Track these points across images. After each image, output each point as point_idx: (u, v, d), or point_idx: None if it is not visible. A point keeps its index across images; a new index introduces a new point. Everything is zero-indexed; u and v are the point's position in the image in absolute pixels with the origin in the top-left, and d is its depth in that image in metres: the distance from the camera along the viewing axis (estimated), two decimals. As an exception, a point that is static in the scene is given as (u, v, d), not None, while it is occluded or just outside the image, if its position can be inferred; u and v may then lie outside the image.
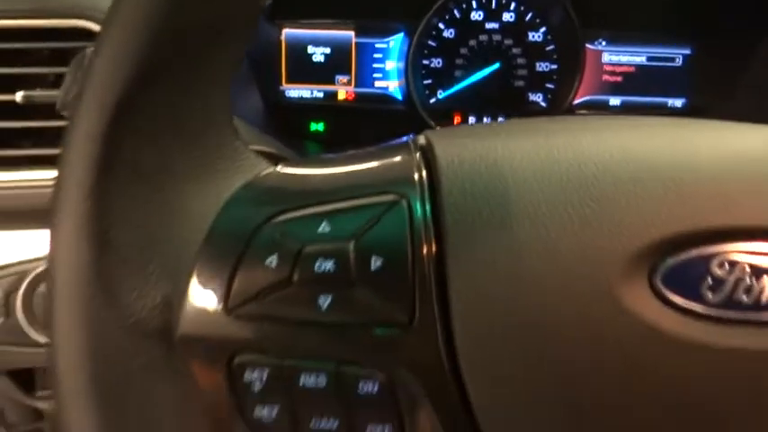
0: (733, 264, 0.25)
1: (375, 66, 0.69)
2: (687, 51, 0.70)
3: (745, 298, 0.24)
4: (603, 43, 0.69)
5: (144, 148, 0.24)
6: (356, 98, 0.69)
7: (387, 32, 0.68)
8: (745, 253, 0.25)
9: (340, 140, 0.68)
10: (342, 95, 0.69)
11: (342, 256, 0.25)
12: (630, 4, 0.69)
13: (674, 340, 0.24)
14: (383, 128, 0.65)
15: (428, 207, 0.26)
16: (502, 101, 0.69)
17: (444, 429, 0.25)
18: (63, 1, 0.53)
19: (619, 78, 0.70)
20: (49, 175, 0.53)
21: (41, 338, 0.52)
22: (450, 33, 0.68)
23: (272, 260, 0.25)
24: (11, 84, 0.53)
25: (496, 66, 0.69)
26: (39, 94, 0.52)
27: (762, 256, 0.25)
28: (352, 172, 0.28)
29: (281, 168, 0.28)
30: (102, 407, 0.24)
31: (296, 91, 0.68)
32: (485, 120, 0.70)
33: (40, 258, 0.52)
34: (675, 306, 0.24)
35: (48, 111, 0.53)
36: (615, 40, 0.69)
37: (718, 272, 0.25)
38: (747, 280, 0.24)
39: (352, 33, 0.68)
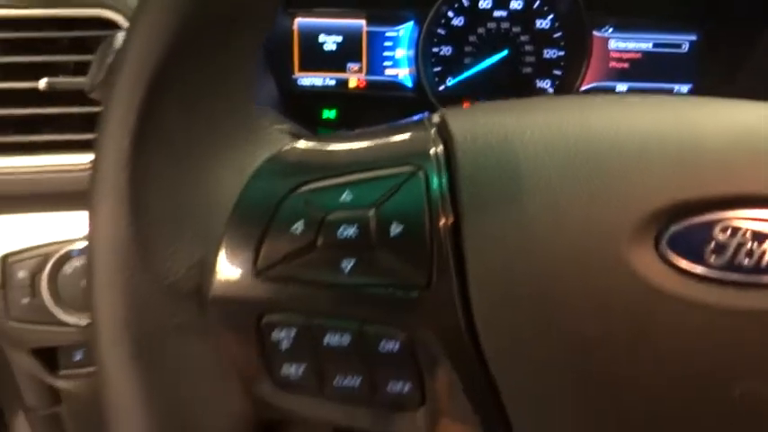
0: (735, 229, 0.26)
1: (386, 54, 0.70)
2: (693, 38, 0.70)
3: (746, 261, 0.26)
4: (610, 30, 0.70)
5: (176, 122, 0.26)
6: (367, 86, 0.70)
7: (397, 21, 0.70)
8: (746, 219, 0.26)
9: (352, 127, 0.69)
10: (353, 83, 0.70)
11: (363, 223, 0.26)
12: (637, -8, 0.70)
13: (679, 301, 0.25)
14: (394, 115, 0.66)
15: (444, 180, 0.27)
16: (510, 87, 0.70)
17: (462, 388, 0.27)
18: (84, -9, 0.55)
19: (625, 65, 0.71)
20: (70, 159, 0.55)
21: (66, 318, 0.54)
22: (460, 21, 0.70)
23: (298, 227, 0.26)
24: (33, 71, 0.54)
25: (505, 53, 0.70)
26: (61, 81, 0.53)
27: (763, 222, 0.26)
28: (371, 146, 0.29)
29: (302, 143, 0.30)
30: (139, 366, 0.26)
31: (308, 79, 0.70)
32: (494, 106, 0.71)
33: (63, 241, 0.54)
34: (680, 269, 0.26)
35: (69, 97, 0.55)
36: (622, 26, 0.70)
37: (720, 237, 0.26)
38: (749, 245, 0.26)
39: (363, 22, 0.69)
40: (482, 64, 0.70)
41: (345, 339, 0.26)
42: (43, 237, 0.55)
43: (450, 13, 0.69)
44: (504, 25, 0.70)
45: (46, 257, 0.54)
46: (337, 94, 0.70)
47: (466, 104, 0.31)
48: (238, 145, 0.28)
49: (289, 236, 0.26)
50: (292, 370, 0.27)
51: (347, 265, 0.26)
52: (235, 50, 0.27)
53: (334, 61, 0.70)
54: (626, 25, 0.70)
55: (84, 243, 0.51)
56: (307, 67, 0.69)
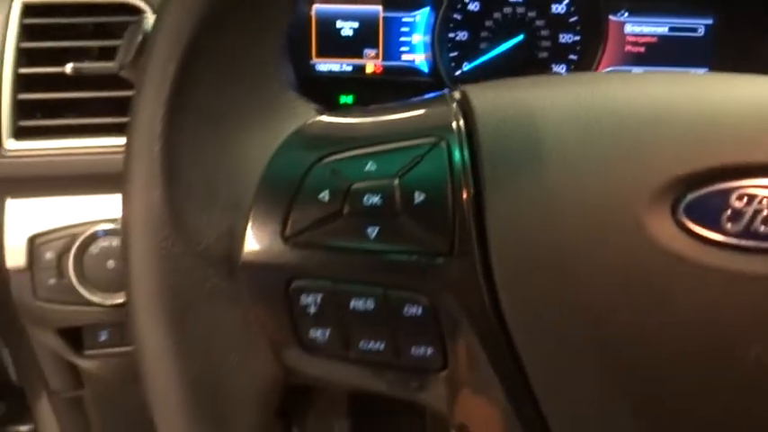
0: (751, 197, 0.26)
1: (402, 39, 0.71)
2: (709, 21, 0.70)
3: (762, 228, 0.26)
4: (626, 14, 0.70)
5: (208, 94, 0.27)
6: (384, 71, 0.71)
7: (413, 6, 0.70)
8: (762, 187, 0.27)
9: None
10: (370, 69, 0.71)
11: (388, 192, 0.27)
12: (653, -24, 0.70)
13: (696, 266, 0.26)
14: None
15: (466, 152, 0.28)
16: (526, 72, 0.70)
17: (483, 353, 0.28)
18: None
19: (641, 49, 0.71)
20: (95, 142, 0.56)
21: (91, 297, 0.55)
22: (475, 6, 0.70)
23: (324, 195, 0.27)
24: (59, 57, 0.56)
25: (520, 38, 0.70)
26: (86, 66, 0.54)
27: (779, 190, 0.26)
28: (394, 119, 0.30)
29: (327, 117, 0.30)
30: (172, 329, 0.27)
31: (325, 65, 0.70)
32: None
33: (88, 222, 0.55)
34: (697, 236, 0.26)
35: (93, 82, 0.56)
36: (637, 10, 0.70)
37: (737, 204, 0.26)
38: (765, 212, 0.26)
39: (379, 8, 0.70)
40: (498, 49, 0.71)
41: (370, 304, 0.27)
42: (69, 219, 0.56)
43: (466, -1, 0.70)
44: (520, 10, 0.70)
45: (72, 238, 0.55)
46: (354, 80, 0.71)
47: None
48: (267, 117, 0.29)
49: (316, 204, 0.27)
50: (319, 334, 0.28)
51: (372, 231, 0.27)
52: (264, 25, 0.28)
53: (351, 47, 0.70)
54: (641, 9, 0.70)
55: (110, 225, 0.53)
56: (324, 52, 0.70)
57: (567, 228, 0.27)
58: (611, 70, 0.72)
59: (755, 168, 0.27)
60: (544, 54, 0.71)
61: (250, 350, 0.28)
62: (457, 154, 0.28)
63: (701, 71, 0.72)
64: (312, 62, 0.70)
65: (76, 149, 0.56)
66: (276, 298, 0.27)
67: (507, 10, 0.70)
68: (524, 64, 0.71)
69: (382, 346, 0.28)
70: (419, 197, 0.27)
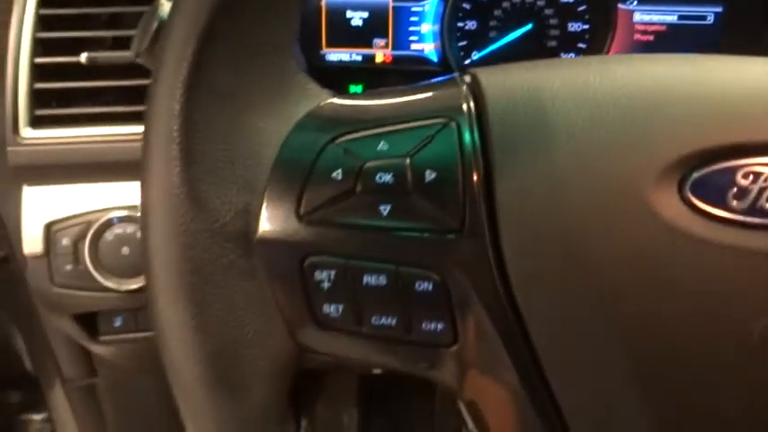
0: (757, 175, 0.27)
1: (411, 29, 0.71)
2: (718, 9, 0.70)
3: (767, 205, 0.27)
4: (635, 2, 0.70)
5: (224, 75, 0.27)
6: (393, 60, 0.72)
7: (422, -4, 0.71)
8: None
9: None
10: (379, 58, 0.72)
11: (399, 170, 0.28)
12: (662, -36, 0.70)
13: (701, 242, 0.26)
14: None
15: (476, 132, 0.28)
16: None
17: (493, 328, 0.28)
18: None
19: (650, 37, 0.71)
20: (109, 131, 0.57)
21: (107, 283, 0.56)
22: (484, -4, 0.70)
23: (338, 174, 0.28)
24: (72, 46, 0.56)
25: (529, 27, 0.70)
26: (101, 55, 0.55)
27: (784, 169, 0.27)
28: (405, 101, 0.31)
29: (338, 99, 0.31)
30: (190, 304, 0.27)
31: (335, 54, 0.71)
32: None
33: (104, 209, 0.56)
34: (703, 213, 0.27)
35: (107, 71, 0.57)
36: (646, -1, 0.70)
37: (743, 182, 0.27)
38: (771, 189, 0.27)
39: (389, -2, 0.70)
40: (507, 38, 0.71)
41: (382, 280, 0.28)
42: (84, 206, 0.57)
43: (475, -12, 0.70)
44: (529, -1, 0.70)
45: (88, 225, 0.56)
46: (364, 69, 0.72)
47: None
48: (281, 99, 0.29)
49: (329, 182, 0.28)
50: (332, 309, 0.28)
51: (384, 209, 0.28)
52: (279, 10, 0.29)
53: (361, 37, 0.71)
54: (651, -2, 0.70)
55: (124, 212, 0.54)
56: (334, 42, 0.71)
57: (575, 206, 0.27)
58: (619, 58, 0.72)
59: (761, 147, 0.27)
60: (553, 43, 0.71)
61: (265, 325, 0.29)
62: (467, 135, 0.28)
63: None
64: (322, 52, 0.71)
65: (91, 138, 0.57)
66: (291, 274, 0.28)
67: (516, -1, 0.70)
68: (533, 53, 0.71)
69: (394, 322, 0.28)
70: (430, 176, 0.28)
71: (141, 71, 0.54)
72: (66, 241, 0.56)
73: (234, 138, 0.28)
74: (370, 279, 0.28)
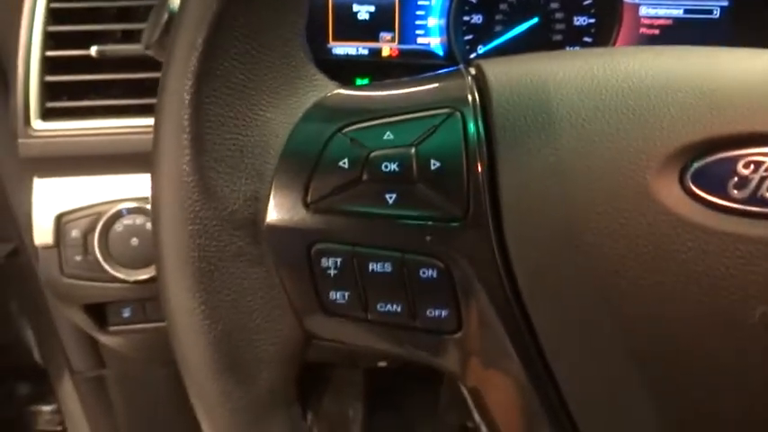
0: (758, 164, 0.27)
1: (417, 23, 0.71)
2: (724, 3, 0.70)
3: (768, 194, 0.27)
4: (641, -4, 0.71)
5: (234, 65, 0.28)
6: (399, 54, 0.72)
7: (429, -10, 0.71)
8: (768, 155, 0.27)
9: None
10: (386, 52, 0.72)
11: (405, 159, 0.28)
12: (668, -43, 0.70)
13: (703, 230, 0.27)
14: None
15: (480, 122, 0.29)
16: (540, 55, 0.71)
17: (496, 315, 0.29)
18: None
19: (656, 31, 0.71)
20: (119, 123, 0.58)
21: (116, 273, 0.57)
22: (490, -10, 0.71)
23: (344, 163, 0.28)
24: (82, 40, 0.57)
25: (535, 20, 0.71)
26: (110, 48, 0.56)
27: (785, 158, 0.27)
28: (410, 91, 0.31)
29: (345, 90, 0.32)
30: (200, 289, 0.28)
31: (342, 48, 0.71)
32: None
33: (113, 201, 0.57)
34: (704, 201, 0.27)
35: (117, 64, 0.58)
36: (653, -7, 0.70)
37: (743, 171, 0.27)
38: (771, 179, 0.27)
39: (395, -8, 0.71)
40: (512, 32, 0.71)
41: (388, 267, 0.28)
42: (94, 197, 0.58)
43: (481, -18, 0.70)
44: (535, -7, 0.71)
45: (97, 217, 0.56)
46: (370, 63, 0.72)
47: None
48: (289, 90, 0.30)
49: (336, 171, 0.28)
50: (339, 296, 0.29)
51: (390, 197, 0.28)
52: (287, 2, 0.29)
53: (367, 31, 0.71)
54: (657, -9, 0.70)
55: (133, 204, 0.54)
56: (340, 36, 0.71)
57: (578, 195, 0.28)
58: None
59: (762, 137, 0.27)
60: (558, 37, 0.71)
61: (273, 312, 0.29)
62: (471, 125, 0.29)
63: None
64: (329, 46, 0.71)
65: (101, 130, 0.57)
66: (298, 261, 0.29)
67: (522, -7, 0.70)
68: (539, 47, 0.71)
69: (399, 308, 0.29)
70: (434, 165, 0.28)
71: (151, 64, 0.55)
72: (76, 232, 0.57)
73: (243, 127, 0.28)
74: (375, 266, 0.28)
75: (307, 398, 1.00)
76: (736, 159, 0.27)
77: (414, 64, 0.72)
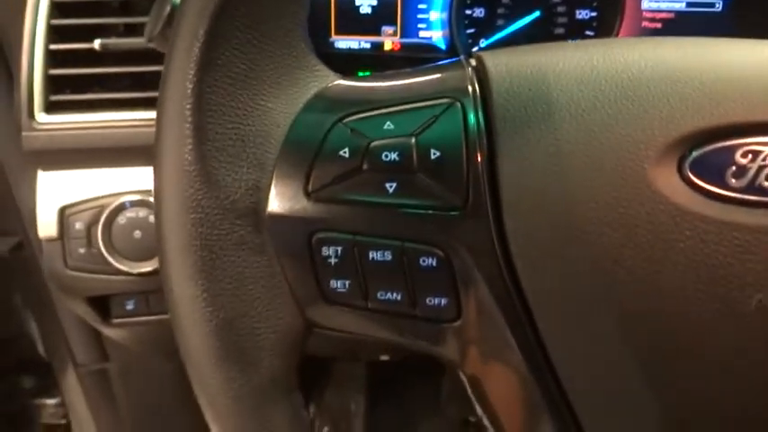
0: (756, 153, 0.27)
1: (420, 17, 0.71)
2: (727, -3, 0.70)
3: (766, 183, 0.27)
4: (643, -10, 0.71)
5: (236, 56, 0.28)
6: (402, 48, 0.72)
7: (431, -17, 0.71)
8: (767, 144, 0.27)
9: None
10: (388, 46, 0.72)
11: (405, 149, 0.28)
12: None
13: (700, 219, 0.27)
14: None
15: (480, 112, 0.29)
16: (542, 49, 0.71)
17: (495, 303, 0.29)
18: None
19: (658, 25, 0.71)
20: (122, 116, 0.58)
21: (119, 266, 0.57)
22: (492, -17, 0.71)
23: (345, 152, 0.29)
24: (85, 33, 0.57)
25: (537, 14, 0.71)
26: (113, 41, 0.56)
27: (782, 148, 0.27)
28: (411, 82, 0.31)
29: (346, 81, 0.32)
30: (202, 278, 0.28)
31: (344, 42, 0.72)
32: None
33: (116, 193, 0.57)
34: (702, 190, 0.27)
35: (120, 57, 0.58)
36: (655, -14, 0.70)
37: (741, 160, 0.27)
38: (769, 168, 0.27)
39: (397, -15, 0.71)
40: (514, 25, 0.71)
41: (388, 255, 0.28)
42: (97, 190, 0.58)
43: (483, -24, 0.70)
44: (536, -14, 0.71)
45: (101, 209, 0.57)
46: (372, 57, 0.72)
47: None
48: (291, 80, 0.30)
49: (337, 161, 0.29)
50: (339, 284, 0.29)
51: (390, 186, 0.28)
52: None
53: (370, 24, 0.71)
54: (659, -15, 0.70)
55: (136, 196, 0.55)
56: (343, 30, 0.71)
57: (577, 184, 0.28)
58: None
59: (760, 126, 0.28)
60: (561, 30, 0.71)
61: (275, 300, 0.29)
62: (471, 115, 0.29)
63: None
64: (331, 39, 0.71)
65: (105, 123, 0.58)
66: (299, 250, 0.29)
67: (524, -14, 0.70)
68: (541, 40, 0.71)
69: (399, 297, 0.29)
70: (435, 154, 0.28)
71: (154, 57, 0.55)
72: (79, 225, 0.57)
73: (244, 117, 0.28)
74: (375, 255, 0.29)
75: (309, 391, 1.00)
76: (734, 149, 0.27)
77: (416, 58, 0.72)
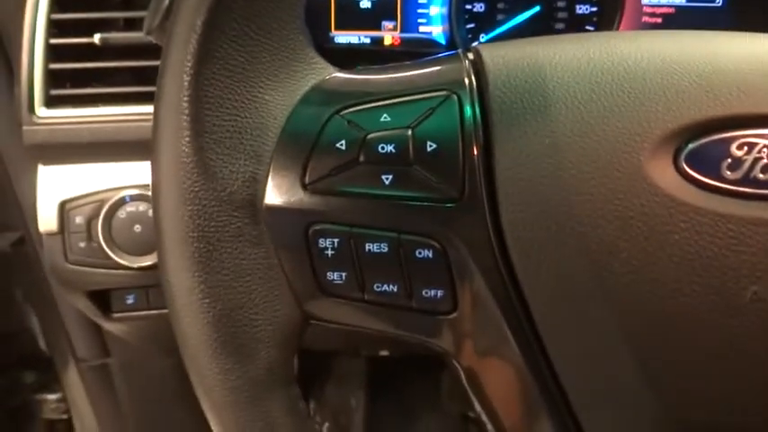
0: (751, 146, 0.28)
1: (420, 11, 0.71)
2: (728, -9, 0.70)
3: (761, 176, 0.27)
4: (643, -15, 0.71)
5: (233, 48, 0.28)
6: (402, 43, 0.72)
7: (431, -22, 0.71)
8: (762, 137, 0.28)
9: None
10: (388, 41, 0.72)
11: (401, 141, 0.29)
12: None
13: (696, 211, 0.27)
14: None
15: (477, 105, 0.29)
16: (542, 44, 0.71)
17: (491, 295, 0.29)
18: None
19: (659, 20, 0.71)
20: (122, 111, 0.58)
21: (119, 260, 0.57)
22: (492, -22, 0.71)
23: (342, 144, 0.29)
24: (85, 27, 0.58)
25: (537, 9, 0.71)
26: (113, 36, 0.56)
27: (778, 140, 0.27)
28: (408, 74, 0.31)
29: (343, 74, 0.32)
30: (199, 269, 0.28)
31: (344, 37, 0.72)
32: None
33: (116, 188, 0.58)
34: (698, 182, 0.27)
35: (120, 52, 0.58)
36: (655, -19, 0.70)
37: (737, 153, 0.28)
38: (764, 160, 0.27)
39: (397, -20, 0.71)
40: (514, 20, 0.71)
41: (384, 247, 0.29)
42: (97, 185, 0.58)
43: (483, -29, 0.70)
44: (537, -19, 0.71)
45: (101, 203, 0.57)
46: (373, 52, 0.72)
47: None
48: (288, 73, 0.30)
49: (333, 153, 0.29)
50: (336, 276, 0.29)
51: (387, 178, 0.28)
52: None
53: (370, 19, 0.71)
54: (659, -20, 0.70)
55: (136, 191, 0.55)
56: (343, 25, 0.71)
57: (573, 176, 0.28)
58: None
59: (756, 118, 0.28)
60: (561, 25, 0.71)
61: (272, 291, 0.29)
62: (468, 108, 0.29)
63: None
64: (331, 34, 0.71)
65: (105, 117, 0.58)
66: (296, 241, 0.29)
67: (524, -19, 0.70)
68: (541, 35, 0.71)
69: (395, 288, 0.29)
70: (431, 146, 0.28)
71: (154, 51, 0.55)
72: (79, 219, 0.58)
73: (242, 109, 0.28)
74: (372, 246, 0.29)
75: (309, 387, 1.00)
76: (729, 141, 0.28)
77: (416, 53, 0.72)
